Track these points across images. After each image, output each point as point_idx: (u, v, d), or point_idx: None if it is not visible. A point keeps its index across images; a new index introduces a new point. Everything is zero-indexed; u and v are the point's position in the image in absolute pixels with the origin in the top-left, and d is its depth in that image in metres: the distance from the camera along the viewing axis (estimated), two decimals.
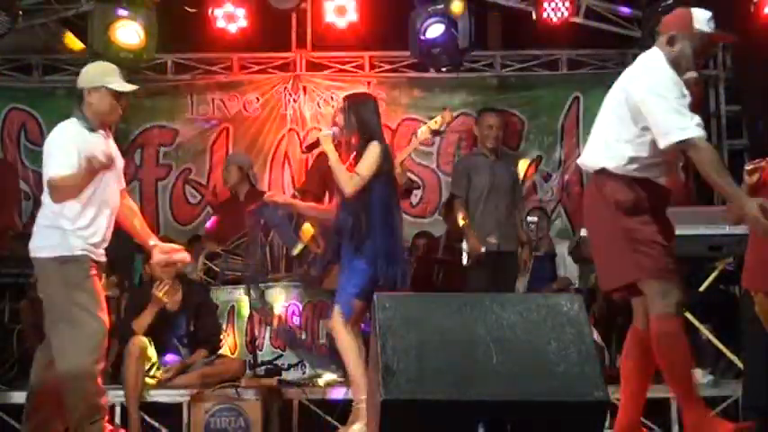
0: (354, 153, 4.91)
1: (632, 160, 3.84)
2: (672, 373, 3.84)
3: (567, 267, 7.26)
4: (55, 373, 4.38)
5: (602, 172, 3.90)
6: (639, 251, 3.78)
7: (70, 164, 4.32)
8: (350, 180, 4.82)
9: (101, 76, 4.52)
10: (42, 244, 4.42)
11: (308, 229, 6.02)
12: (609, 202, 3.85)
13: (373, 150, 4.83)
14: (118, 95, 4.51)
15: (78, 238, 4.38)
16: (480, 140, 6.79)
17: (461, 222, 6.46)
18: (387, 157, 4.88)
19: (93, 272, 4.42)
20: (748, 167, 4.16)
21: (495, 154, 6.68)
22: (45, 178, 4.40)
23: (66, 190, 4.34)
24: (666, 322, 3.75)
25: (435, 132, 5.57)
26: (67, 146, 4.39)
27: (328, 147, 4.94)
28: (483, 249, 6.28)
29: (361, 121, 4.93)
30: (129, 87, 4.57)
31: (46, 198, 4.44)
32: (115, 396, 5.54)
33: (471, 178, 6.56)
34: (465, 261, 6.37)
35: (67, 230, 4.37)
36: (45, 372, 4.50)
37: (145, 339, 5.56)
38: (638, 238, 3.80)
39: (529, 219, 7.38)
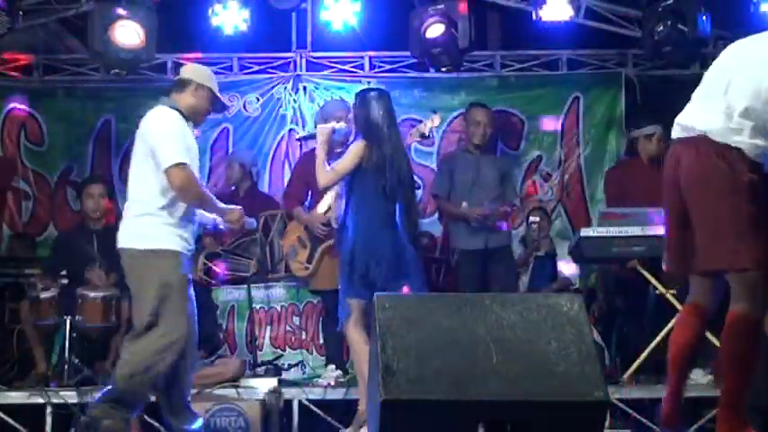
0: None
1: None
2: (732, 370, 3.67)
3: (567, 267, 7.26)
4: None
5: (730, 148, 3.58)
6: (760, 237, 3.53)
7: (185, 152, 4.41)
8: (324, 173, 4.92)
9: (209, 79, 4.70)
10: (135, 233, 4.41)
11: (292, 230, 6.04)
12: (738, 178, 3.55)
13: (353, 148, 4.90)
14: (214, 103, 4.71)
15: (169, 230, 4.40)
16: (467, 136, 6.69)
17: (452, 209, 6.39)
18: (375, 157, 4.87)
19: (185, 268, 4.44)
20: None
21: (480, 150, 6.57)
22: (163, 165, 4.37)
23: (189, 177, 4.39)
24: (748, 320, 3.57)
25: (423, 136, 5.58)
26: (180, 133, 4.47)
27: (320, 138, 5.02)
28: (484, 206, 6.18)
29: (366, 121, 4.95)
30: (225, 99, 4.90)
31: (138, 187, 4.46)
32: None
33: (454, 176, 6.47)
34: (453, 262, 6.34)
35: (160, 222, 4.40)
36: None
37: None
38: (762, 222, 3.55)
39: (530, 219, 7.38)
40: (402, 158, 5.03)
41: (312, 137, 5.24)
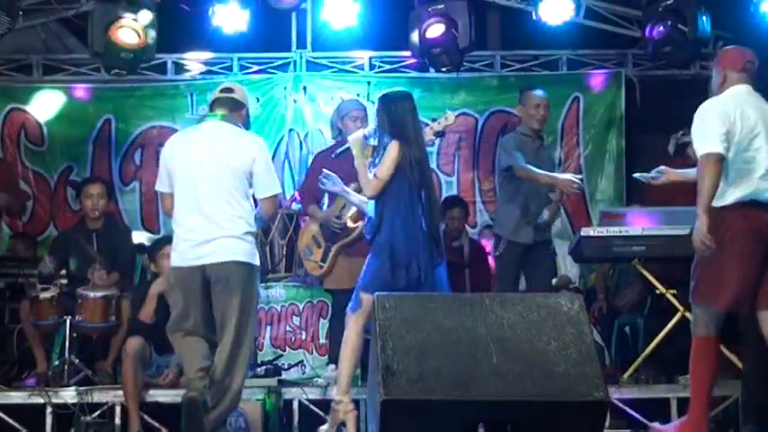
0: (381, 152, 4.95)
1: None
2: None
3: (567, 267, 7.25)
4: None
5: None
6: None
7: None
8: (368, 183, 4.90)
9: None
10: (246, 250, 4.61)
11: (307, 229, 6.04)
12: None
13: (391, 150, 4.84)
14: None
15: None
16: (524, 121, 6.15)
17: (534, 174, 5.82)
18: (408, 155, 4.85)
19: None
20: None
21: (539, 137, 6.18)
22: (268, 193, 4.72)
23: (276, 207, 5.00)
24: None
25: (438, 134, 5.55)
26: None
27: (356, 150, 5.02)
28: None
29: (393, 122, 4.93)
30: None
31: (240, 206, 4.63)
32: (115, 396, 5.55)
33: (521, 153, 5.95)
34: (496, 252, 6.12)
35: (254, 241, 4.71)
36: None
37: (142, 339, 5.55)
38: None
39: None
40: (425, 160, 5.02)
41: (347, 150, 5.24)
